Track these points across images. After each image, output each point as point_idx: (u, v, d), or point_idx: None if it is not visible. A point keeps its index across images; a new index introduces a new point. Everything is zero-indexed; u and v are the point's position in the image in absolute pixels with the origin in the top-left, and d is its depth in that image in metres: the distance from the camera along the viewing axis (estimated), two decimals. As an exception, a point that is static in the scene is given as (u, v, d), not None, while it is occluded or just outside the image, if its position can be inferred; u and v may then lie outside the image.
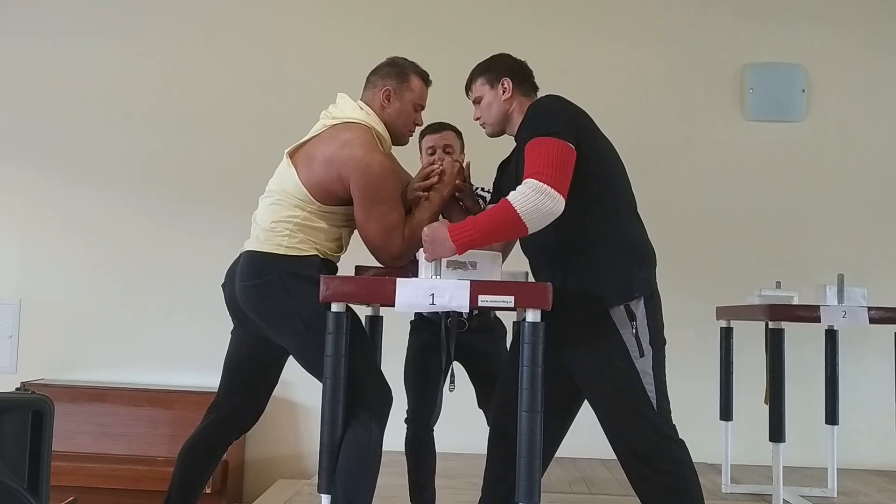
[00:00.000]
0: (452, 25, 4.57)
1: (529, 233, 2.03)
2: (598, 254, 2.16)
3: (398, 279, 2.02)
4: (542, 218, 2.02)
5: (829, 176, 4.53)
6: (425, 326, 2.83)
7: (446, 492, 3.30)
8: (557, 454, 2.33)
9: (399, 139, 2.50)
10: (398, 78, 2.41)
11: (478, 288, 1.99)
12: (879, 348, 4.16)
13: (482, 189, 2.75)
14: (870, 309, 3.09)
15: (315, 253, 2.32)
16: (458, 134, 2.88)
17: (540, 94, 2.33)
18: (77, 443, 3.98)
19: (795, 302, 3.30)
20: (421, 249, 2.12)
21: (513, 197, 2.03)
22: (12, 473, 1.42)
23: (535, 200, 1.99)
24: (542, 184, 2.00)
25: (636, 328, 2.10)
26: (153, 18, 4.65)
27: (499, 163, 2.47)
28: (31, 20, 4.66)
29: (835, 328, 3.64)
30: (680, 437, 2.11)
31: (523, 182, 2.04)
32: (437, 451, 2.85)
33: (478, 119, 2.40)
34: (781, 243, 4.44)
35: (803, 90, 4.57)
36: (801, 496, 3.51)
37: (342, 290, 2.05)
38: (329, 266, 2.38)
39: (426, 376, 2.79)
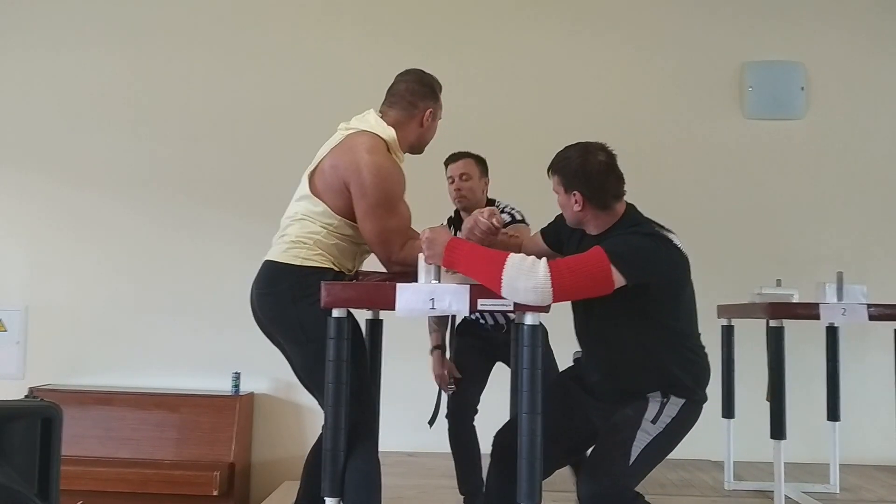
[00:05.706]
0: (453, 26, 4.58)
1: (502, 295, 1.96)
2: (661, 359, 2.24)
3: (398, 284, 2.04)
4: (516, 293, 1.95)
5: (828, 173, 4.54)
6: (470, 330, 3.05)
7: (447, 492, 3.32)
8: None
9: (422, 150, 2.51)
10: (433, 98, 2.43)
11: (477, 292, 2.01)
12: (880, 345, 4.17)
13: (510, 208, 2.97)
14: (869, 306, 3.10)
15: (330, 266, 2.33)
16: (477, 160, 3.00)
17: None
18: (85, 447, 4.02)
19: (795, 300, 3.31)
20: (421, 253, 2.14)
21: (511, 258, 1.98)
22: (23, 480, 1.45)
23: (522, 279, 1.93)
24: (547, 276, 1.94)
25: (665, 406, 2.17)
26: (158, 24, 4.68)
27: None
28: (36, 27, 4.70)
29: (835, 325, 3.65)
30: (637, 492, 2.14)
31: (543, 259, 1.99)
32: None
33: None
34: (781, 241, 4.45)
35: (802, 88, 4.58)
36: (804, 492, 3.53)
37: (343, 295, 2.07)
38: (341, 280, 2.39)
39: (466, 376, 3.00)
